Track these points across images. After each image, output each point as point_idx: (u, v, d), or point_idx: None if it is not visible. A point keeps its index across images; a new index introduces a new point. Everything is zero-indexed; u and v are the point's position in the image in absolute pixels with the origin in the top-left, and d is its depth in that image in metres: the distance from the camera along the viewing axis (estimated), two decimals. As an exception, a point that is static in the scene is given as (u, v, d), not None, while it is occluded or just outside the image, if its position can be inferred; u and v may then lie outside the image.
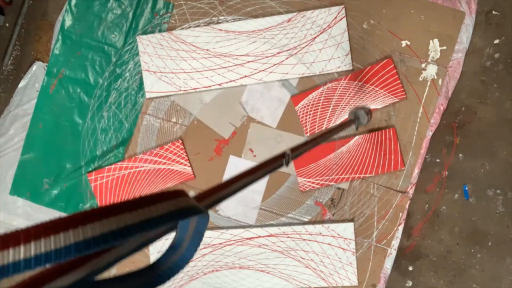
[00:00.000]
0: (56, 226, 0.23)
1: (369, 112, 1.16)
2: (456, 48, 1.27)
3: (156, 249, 1.30)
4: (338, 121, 1.28)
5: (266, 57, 1.30)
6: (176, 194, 0.32)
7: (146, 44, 1.33)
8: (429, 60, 1.27)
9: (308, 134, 1.29)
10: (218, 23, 1.33)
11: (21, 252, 0.21)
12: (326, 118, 1.28)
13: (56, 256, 0.22)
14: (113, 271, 1.34)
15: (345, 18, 1.27)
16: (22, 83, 1.43)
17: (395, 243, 1.27)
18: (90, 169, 1.36)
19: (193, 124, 1.34)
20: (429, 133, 1.28)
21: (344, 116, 1.28)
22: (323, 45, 1.28)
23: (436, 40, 1.27)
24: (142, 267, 0.33)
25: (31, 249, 0.21)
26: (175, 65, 1.32)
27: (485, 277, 1.32)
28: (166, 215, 0.29)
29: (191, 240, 0.35)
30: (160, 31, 1.35)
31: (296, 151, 0.69)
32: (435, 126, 1.28)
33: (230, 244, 1.29)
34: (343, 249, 1.26)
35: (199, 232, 0.35)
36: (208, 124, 1.34)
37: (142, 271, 0.34)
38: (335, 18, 1.27)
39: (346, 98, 1.27)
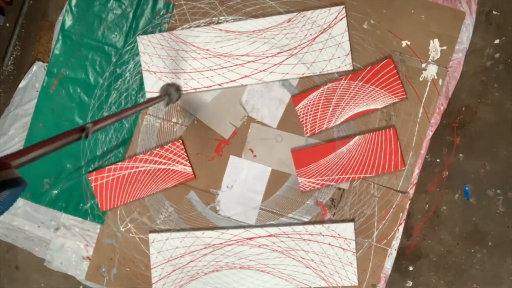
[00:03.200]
0: None
1: (178, 89, 1.18)
2: (456, 48, 1.27)
3: (157, 249, 1.30)
4: (339, 121, 1.28)
5: (266, 57, 1.29)
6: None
7: (146, 44, 1.33)
8: (429, 60, 1.27)
9: (308, 134, 1.29)
10: (218, 23, 1.33)
11: None
12: (326, 118, 1.28)
13: None
14: (114, 271, 1.34)
15: (345, 18, 1.27)
16: (22, 83, 1.43)
17: (395, 243, 1.27)
18: (91, 169, 1.36)
19: (193, 124, 1.34)
20: (429, 133, 1.28)
21: (344, 117, 1.28)
22: (323, 45, 1.28)
23: (436, 40, 1.27)
24: None
25: None
26: (175, 65, 1.32)
27: (485, 277, 1.32)
28: None
29: (6, 198, 0.41)
30: (160, 31, 1.35)
31: (97, 125, 0.75)
32: (435, 126, 1.28)
33: (230, 244, 1.29)
34: (343, 249, 1.26)
35: (15, 195, 0.41)
36: (208, 124, 1.34)
37: None
38: (335, 18, 1.27)
39: (346, 98, 1.27)
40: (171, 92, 1.16)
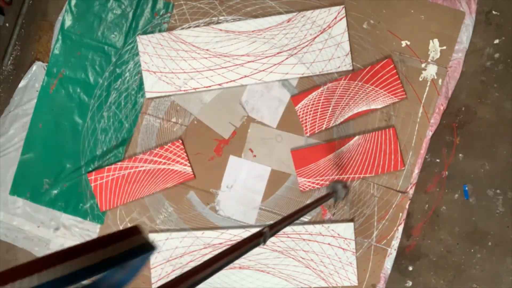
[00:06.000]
0: (33, 267, 0.29)
1: (345, 186, 1.15)
2: (456, 48, 1.27)
3: (156, 249, 1.30)
4: (339, 121, 1.28)
5: (266, 57, 1.29)
6: (131, 232, 0.38)
7: (146, 44, 1.33)
8: (429, 60, 1.27)
9: (308, 134, 1.29)
10: (218, 23, 1.33)
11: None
12: (326, 118, 1.28)
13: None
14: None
15: (345, 18, 1.27)
16: (22, 83, 1.43)
17: (395, 243, 1.27)
18: (90, 169, 1.36)
19: (193, 124, 1.34)
20: (429, 133, 1.28)
21: (344, 117, 1.28)
22: (323, 45, 1.28)
23: (436, 40, 1.27)
24: (86, 284, 0.36)
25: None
26: (175, 65, 1.32)
27: (485, 277, 1.32)
28: (123, 254, 0.35)
29: (133, 266, 0.39)
30: (160, 31, 1.35)
31: (274, 229, 0.71)
32: (435, 126, 1.28)
33: (230, 244, 1.29)
34: (343, 249, 1.26)
35: (143, 263, 0.40)
36: (208, 124, 1.34)
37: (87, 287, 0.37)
38: (335, 18, 1.27)
39: (346, 98, 1.27)
40: (338, 189, 1.13)
